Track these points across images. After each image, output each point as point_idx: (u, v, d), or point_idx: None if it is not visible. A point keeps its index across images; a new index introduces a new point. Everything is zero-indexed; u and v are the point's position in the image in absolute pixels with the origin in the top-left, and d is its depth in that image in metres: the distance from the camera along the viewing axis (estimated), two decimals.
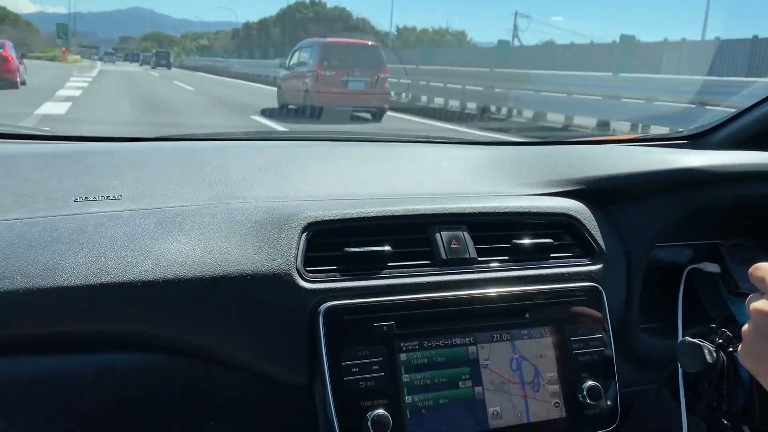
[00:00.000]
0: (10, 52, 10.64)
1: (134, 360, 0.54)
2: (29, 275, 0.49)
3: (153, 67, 32.44)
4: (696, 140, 0.95)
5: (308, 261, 0.57)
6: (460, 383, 0.59)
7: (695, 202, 0.75)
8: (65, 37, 35.29)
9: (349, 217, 0.61)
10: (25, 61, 12.51)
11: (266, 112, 9.06)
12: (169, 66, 33.24)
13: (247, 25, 58.05)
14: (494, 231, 0.68)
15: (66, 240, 0.54)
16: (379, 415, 0.52)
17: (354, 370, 0.54)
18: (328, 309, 0.54)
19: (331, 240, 0.60)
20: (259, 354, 0.56)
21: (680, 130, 0.98)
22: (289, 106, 9.44)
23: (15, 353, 0.50)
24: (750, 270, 0.43)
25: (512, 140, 0.91)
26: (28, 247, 0.53)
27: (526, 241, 0.67)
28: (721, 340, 0.60)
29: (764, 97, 0.84)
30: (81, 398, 0.53)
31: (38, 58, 29.39)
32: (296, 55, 9.81)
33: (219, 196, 0.66)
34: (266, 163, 0.81)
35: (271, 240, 0.58)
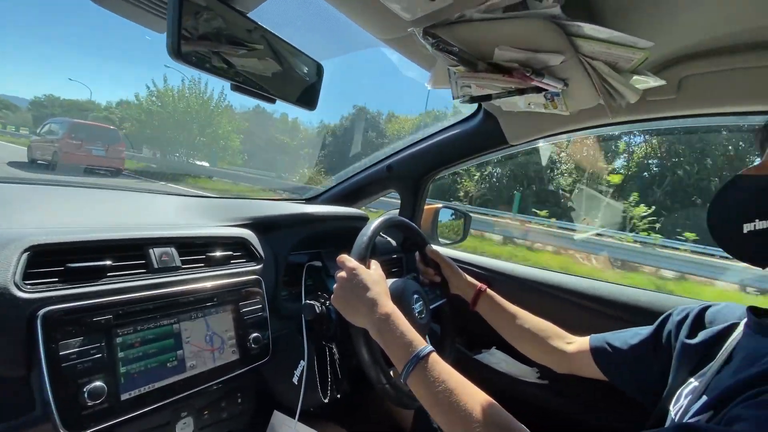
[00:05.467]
0: None
1: None
2: None
3: None
4: (309, 201, 1.60)
5: (29, 276, 0.64)
6: (168, 351, 0.75)
7: (307, 231, 1.16)
8: None
9: (68, 241, 0.71)
10: None
11: (14, 164, 11.63)
12: None
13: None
14: (196, 248, 0.90)
15: None
16: (94, 387, 0.64)
17: (72, 356, 0.63)
18: (45, 313, 0.62)
19: (55, 258, 0.68)
20: None
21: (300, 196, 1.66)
22: (38, 162, 12.20)
23: None
24: (337, 258, 0.80)
25: (211, 195, 1.37)
26: None
27: (217, 253, 0.92)
28: (323, 300, 0.92)
29: (336, 183, 1.59)
30: None
31: None
32: (47, 127, 13.22)
33: None
34: None
35: None
